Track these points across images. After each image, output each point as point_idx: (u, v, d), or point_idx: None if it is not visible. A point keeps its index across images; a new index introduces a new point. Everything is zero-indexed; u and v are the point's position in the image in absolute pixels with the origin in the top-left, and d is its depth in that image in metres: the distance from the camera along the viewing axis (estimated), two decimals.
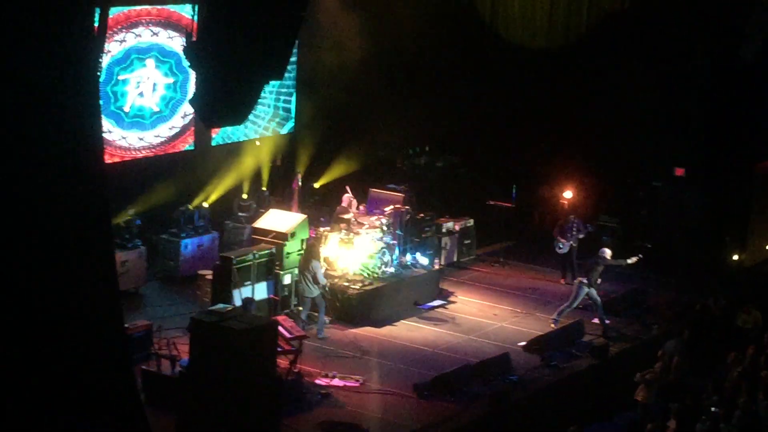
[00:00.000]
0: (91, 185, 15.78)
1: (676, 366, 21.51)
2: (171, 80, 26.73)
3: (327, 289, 22.74)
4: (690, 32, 29.64)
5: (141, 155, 26.49)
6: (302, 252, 23.16)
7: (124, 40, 25.50)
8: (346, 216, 24.66)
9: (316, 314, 23.05)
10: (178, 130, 27.10)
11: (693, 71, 29.90)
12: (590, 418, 21.29)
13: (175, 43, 26.29)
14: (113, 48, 25.23)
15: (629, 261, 24.59)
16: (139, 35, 25.84)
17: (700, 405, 19.34)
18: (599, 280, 24.08)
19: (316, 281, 22.42)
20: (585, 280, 24.00)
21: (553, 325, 23.86)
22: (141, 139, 26.37)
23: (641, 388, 20.28)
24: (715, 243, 29.56)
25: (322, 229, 24.42)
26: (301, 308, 22.92)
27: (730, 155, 29.53)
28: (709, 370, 21.96)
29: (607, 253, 24.17)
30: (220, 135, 28.20)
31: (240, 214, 26.78)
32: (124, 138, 25.95)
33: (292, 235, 23.54)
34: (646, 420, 19.56)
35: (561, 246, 26.96)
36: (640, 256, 25.06)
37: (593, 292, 23.99)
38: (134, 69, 25.92)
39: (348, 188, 25.75)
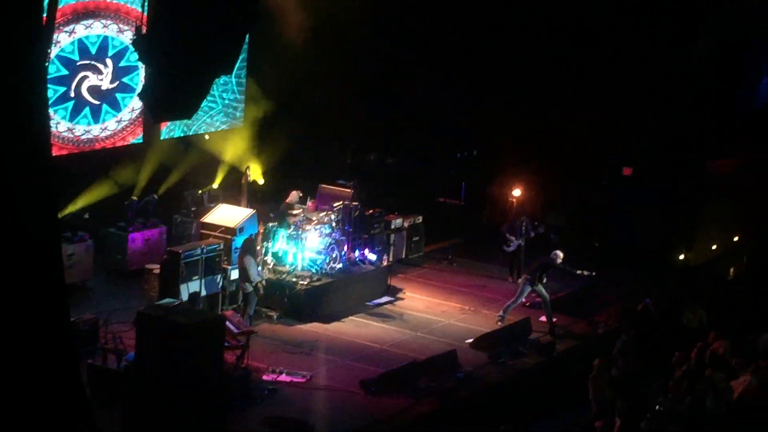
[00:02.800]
0: (37, 178, 15.64)
1: (623, 365, 21.61)
2: (120, 73, 26.50)
3: (262, 284, 22.62)
4: (640, 33, 29.81)
5: (89, 148, 26.26)
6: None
7: (74, 32, 25.28)
8: (294, 211, 24.59)
9: (264, 309, 23.01)
10: (126, 123, 26.89)
11: (642, 71, 30.07)
12: (537, 416, 21.40)
13: (125, 36, 26.09)
14: (62, 39, 25.00)
15: (578, 272, 24.73)
16: (89, 27, 25.62)
17: (645, 403, 19.45)
18: (545, 279, 24.18)
19: (247, 278, 22.34)
20: (529, 278, 24.11)
21: (499, 323, 23.93)
22: (88, 131, 26.15)
23: (590, 386, 20.35)
24: (662, 242, 29.77)
25: (270, 224, 24.36)
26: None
27: (679, 155, 29.76)
28: (655, 369, 22.08)
29: (560, 256, 24.28)
30: (168, 129, 28.01)
31: (192, 208, 26.63)
32: (71, 130, 25.73)
33: (240, 229, 23.46)
34: (594, 417, 19.65)
35: (510, 244, 27.05)
36: (593, 273, 25.19)
37: (542, 289, 24.09)
38: (82, 61, 25.69)
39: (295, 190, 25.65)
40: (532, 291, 24.17)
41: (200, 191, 27.15)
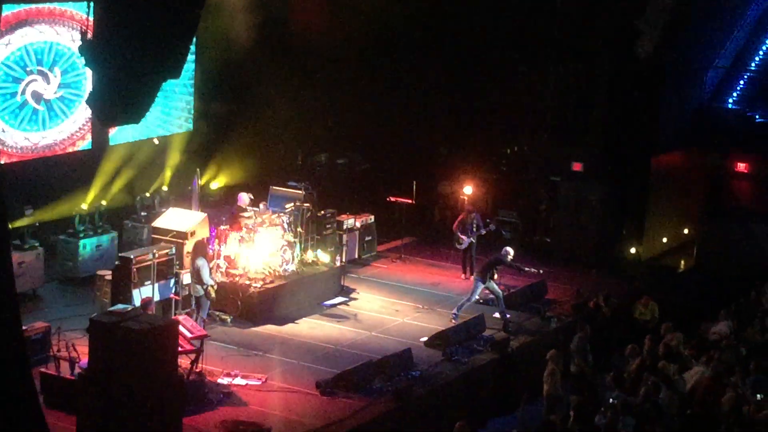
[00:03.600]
0: None
1: (580, 362, 21.74)
2: (67, 79, 26.34)
3: (213, 287, 22.57)
4: (587, 29, 29.99)
5: (37, 155, 26.06)
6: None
7: (9, 43, 24.99)
8: (246, 214, 24.54)
9: (217, 313, 22.99)
10: (74, 129, 26.71)
11: (590, 67, 30.25)
12: (493, 412, 21.50)
13: (70, 41, 25.91)
14: (9, 45, 24.80)
15: (526, 269, 24.93)
16: (33, 34, 25.42)
17: (599, 397, 19.58)
18: (496, 276, 24.30)
19: (200, 280, 22.29)
20: (481, 275, 24.24)
21: (453, 320, 24.00)
22: (36, 139, 25.92)
23: (545, 381, 20.46)
24: (612, 237, 29.97)
25: (222, 227, 24.30)
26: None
27: (628, 150, 29.96)
28: (608, 363, 22.26)
29: (510, 252, 24.41)
30: (117, 134, 27.86)
31: (142, 213, 26.52)
32: (19, 138, 25.50)
33: (192, 233, 23.40)
34: (548, 411, 19.77)
35: (461, 242, 27.14)
36: (540, 271, 25.41)
37: (494, 286, 24.22)
38: (30, 67, 25.50)
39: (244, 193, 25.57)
40: (485, 288, 24.27)
41: (148, 194, 27.05)
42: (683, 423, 18.42)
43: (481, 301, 25.09)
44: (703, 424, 17.95)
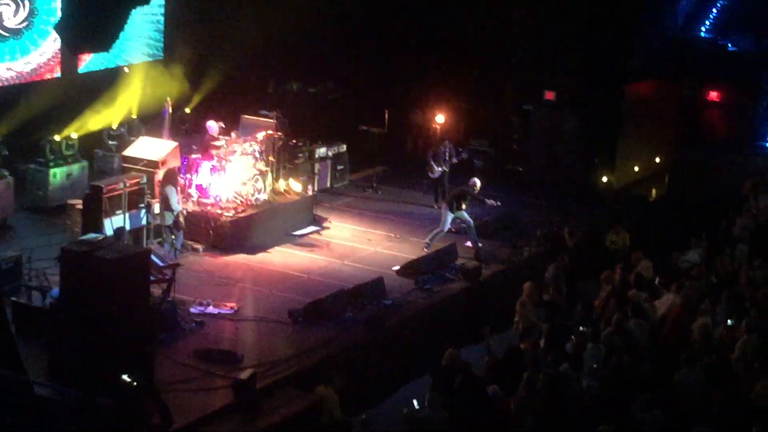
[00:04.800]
0: None
1: (554, 291, 21.83)
2: (36, 6, 25.99)
3: (183, 215, 22.51)
4: None
5: (5, 83, 25.80)
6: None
7: None
8: (217, 143, 24.42)
9: (189, 242, 22.97)
10: (43, 60, 26.39)
11: None
12: (464, 340, 21.57)
13: None
14: None
15: (488, 201, 25.03)
16: None
17: (569, 325, 19.70)
18: (464, 205, 24.29)
19: (168, 207, 22.22)
20: (448, 206, 24.27)
21: (426, 250, 24.03)
22: (8, 69, 25.65)
23: (517, 310, 20.55)
24: (585, 165, 30.01)
25: (193, 156, 24.18)
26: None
27: (600, 79, 29.93)
28: (576, 293, 22.37)
29: (477, 184, 24.43)
30: (88, 62, 27.60)
31: (110, 142, 26.37)
32: None
33: (163, 162, 23.28)
34: (519, 339, 19.86)
35: (434, 171, 27.11)
36: (499, 204, 25.47)
37: (464, 215, 24.26)
38: None
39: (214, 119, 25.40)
40: (455, 217, 24.30)
41: (114, 126, 26.85)
42: (653, 351, 18.56)
43: (454, 230, 25.12)
44: (673, 352, 18.08)
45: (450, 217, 24.27)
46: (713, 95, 31.86)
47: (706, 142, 31.37)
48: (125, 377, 15.68)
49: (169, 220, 22.32)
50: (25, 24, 25.80)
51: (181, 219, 22.43)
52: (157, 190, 22.97)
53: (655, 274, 21.81)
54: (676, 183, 30.84)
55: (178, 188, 22.89)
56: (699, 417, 15.78)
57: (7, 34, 25.51)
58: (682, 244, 24.08)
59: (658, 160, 32.24)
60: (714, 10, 33.30)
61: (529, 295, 20.66)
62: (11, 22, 25.58)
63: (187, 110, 28.23)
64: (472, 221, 24.48)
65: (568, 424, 16.00)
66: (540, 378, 16.50)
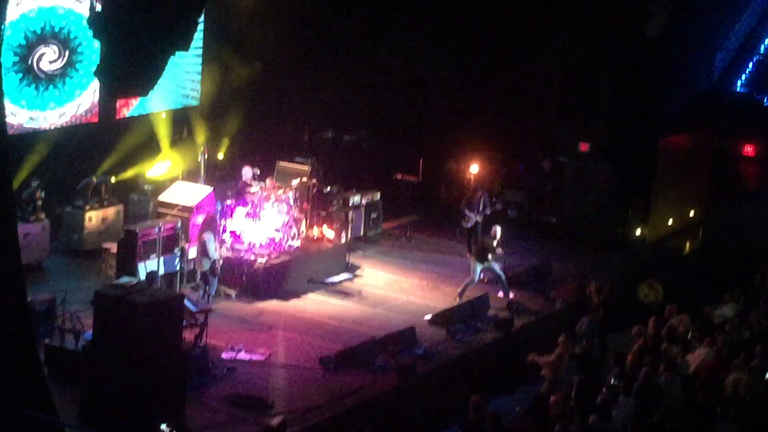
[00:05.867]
0: None
1: (587, 344, 21.68)
2: (73, 51, 26.20)
3: (220, 263, 22.58)
4: (595, 8, 29.93)
5: (45, 127, 25.97)
6: None
7: (31, 4, 24.86)
8: (252, 189, 24.53)
9: (222, 287, 23.00)
10: (81, 110, 26.55)
11: (598, 47, 30.20)
12: (495, 391, 21.50)
13: (78, 11, 25.79)
14: (19, 10, 24.62)
15: (498, 250, 24.77)
16: (39, 6, 25.20)
17: (600, 378, 19.58)
18: (491, 256, 24.18)
19: (206, 254, 22.28)
20: (476, 257, 24.25)
21: (457, 300, 24.00)
22: (44, 119, 25.84)
23: (549, 364, 20.43)
24: (618, 218, 29.94)
25: (228, 201, 24.29)
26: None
27: (634, 131, 29.94)
28: (606, 345, 22.26)
29: (498, 232, 24.39)
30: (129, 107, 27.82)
31: (146, 187, 26.49)
32: (24, 118, 25.33)
33: (198, 208, 23.40)
34: (551, 392, 19.75)
35: (467, 220, 27.12)
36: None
37: (494, 266, 24.23)
38: (34, 43, 25.32)
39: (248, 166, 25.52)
40: (485, 269, 24.28)
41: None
42: (685, 405, 18.42)
43: (486, 280, 25.13)
44: (706, 407, 17.94)
45: (479, 267, 24.26)
46: (748, 149, 31.78)
47: (739, 196, 31.26)
48: (163, 427, 15.68)
49: (206, 266, 22.38)
50: (60, 71, 25.88)
51: (217, 266, 22.52)
52: (191, 233, 23.05)
53: (689, 328, 21.69)
54: (709, 236, 30.73)
55: (217, 235, 22.98)
56: None
57: (42, 77, 25.59)
58: (715, 298, 23.97)
59: (692, 213, 32.14)
60: (750, 65, 33.27)
61: (565, 348, 20.55)
62: (49, 66, 25.72)
63: (221, 156, 28.35)
64: (502, 273, 24.45)
65: None
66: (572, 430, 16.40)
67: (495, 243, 24.39)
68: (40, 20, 25.22)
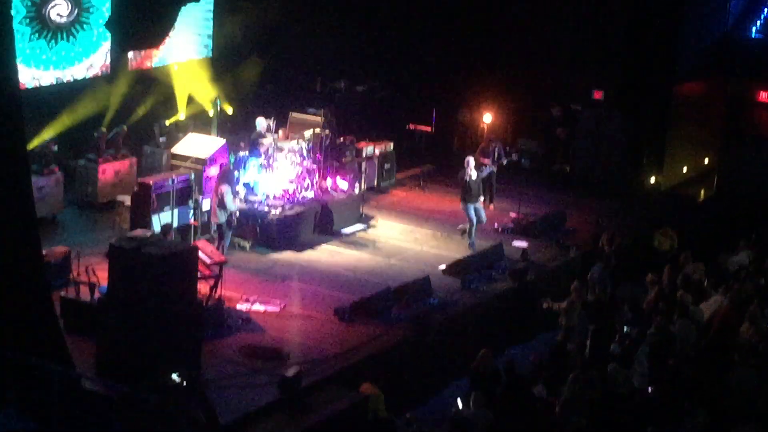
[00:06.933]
0: (5, 110, 15.56)
1: (599, 291, 21.70)
2: (83, 5, 26.09)
3: (236, 215, 22.56)
4: None
5: (55, 83, 25.89)
6: None
7: None
8: (264, 140, 24.50)
9: (236, 239, 23.01)
10: (93, 53, 26.49)
11: None
12: (510, 340, 21.56)
13: None
14: None
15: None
16: None
17: (615, 326, 19.61)
18: (473, 192, 24.25)
19: (223, 206, 22.26)
20: (462, 202, 24.28)
21: (471, 248, 23.97)
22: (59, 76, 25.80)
23: (562, 311, 20.47)
24: (632, 166, 29.86)
25: (242, 153, 24.26)
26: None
27: (648, 78, 29.77)
28: (619, 293, 22.27)
29: (470, 161, 24.42)
30: (135, 59, 27.74)
31: (161, 138, 26.47)
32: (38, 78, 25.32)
33: (211, 159, 23.38)
34: (567, 340, 19.80)
35: (482, 169, 27.03)
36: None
37: (470, 208, 24.18)
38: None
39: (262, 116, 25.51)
40: (472, 207, 24.25)
41: (168, 122, 27.01)
42: (699, 353, 18.45)
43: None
44: (720, 355, 17.97)
45: (470, 208, 24.19)
46: (763, 95, 31.58)
47: (754, 142, 31.10)
48: (174, 377, 15.74)
49: (222, 218, 22.35)
50: (70, 20, 25.75)
51: (233, 218, 22.50)
52: (204, 185, 23.05)
53: (704, 276, 21.68)
54: (724, 183, 30.63)
55: (234, 186, 22.97)
56: (745, 417, 15.69)
57: (54, 27, 25.43)
58: (730, 246, 23.93)
59: (706, 161, 32.04)
60: (765, 10, 33.01)
61: (577, 296, 20.57)
62: (63, 17, 25.60)
63: (230, 110, 28.26)
64: (483, 217, 24.43)
65: (615, 424, 15.93)
66: (587, 378, 16.44)
67: (472, 174, 24.30)
68: None
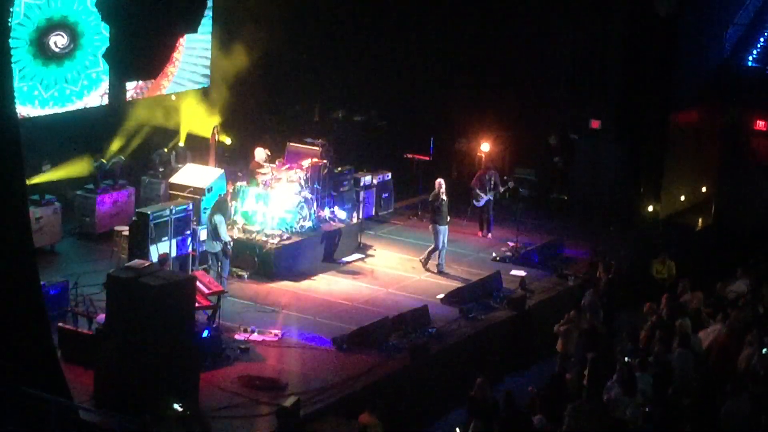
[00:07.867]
0: (3, 141, 15.58)
1: (591, 318, 21.70)
2: (81, 36, 26.17)
3: (230, 245, 22.57)
4: None
5: (52, 113, 25.93)
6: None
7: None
8: (262, 170, 24.53)
9: (234, 269, 23.01)
10: (90, 85, 26.54)
11: (608, 24, 30.09)
12: (508, 369, 21.53)
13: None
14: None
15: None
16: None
17: (614, 354, 19.58)
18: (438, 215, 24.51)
19: (217, 236, 22.27)
20: (431, 224, 24.53)
21: (440, 271, 24.17)
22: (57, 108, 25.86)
23: (561, 338, 20.46)
24: (630, 194, 29.86)
25: (238, 183, 24.29)
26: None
27: (645, 107, 29.80)
28: (615, 321, 22.27)
29: (440, 184, 24.73)
30: (134, 91, 27.79)
31: (160, 168, 26.49)
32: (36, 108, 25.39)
33: (209, 189, 23.42)
34: (564, 370, 19.77)
35: (479, 198, 27.09)
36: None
37: (439, 230, 24.45)
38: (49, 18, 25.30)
39: (261, 145, 25.56)
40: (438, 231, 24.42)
41: (166, 149, 27.04)
42: (699, 381, 18.42)
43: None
44: (719, 382, 17.93)
45: (441, 231, 24.29)
46: (759, 124, 31.61)
47: (751, 171, 31.11)
48: (176, 406, 15.72)
49: (216, 248, 22.37)
50: (68, 51, 25.81)
51: (229, 248, 22.51)
52: (205, 217, 23.06)
53: (702, 305, 21.66)
54: (722, 212, 30.64)
55: (228, 217, 22.97)
56: None
57: (50, 59, 25.51)
58: (728, 274, 23.93)
59: (704, 189, 32.05)
60: (761, 39, 33.09)
61: (574, 324, 20.55)
62: (62, 48, 25.66)
63: (228, 141, 28.28)
64: (442, 243, 24.52)
65: None
66: (586, 408, 16.41)
67: (443, 197, 24.45)
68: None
